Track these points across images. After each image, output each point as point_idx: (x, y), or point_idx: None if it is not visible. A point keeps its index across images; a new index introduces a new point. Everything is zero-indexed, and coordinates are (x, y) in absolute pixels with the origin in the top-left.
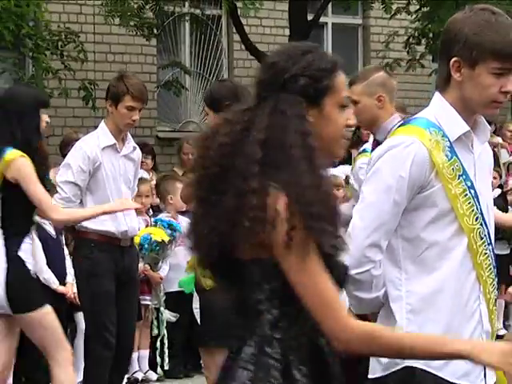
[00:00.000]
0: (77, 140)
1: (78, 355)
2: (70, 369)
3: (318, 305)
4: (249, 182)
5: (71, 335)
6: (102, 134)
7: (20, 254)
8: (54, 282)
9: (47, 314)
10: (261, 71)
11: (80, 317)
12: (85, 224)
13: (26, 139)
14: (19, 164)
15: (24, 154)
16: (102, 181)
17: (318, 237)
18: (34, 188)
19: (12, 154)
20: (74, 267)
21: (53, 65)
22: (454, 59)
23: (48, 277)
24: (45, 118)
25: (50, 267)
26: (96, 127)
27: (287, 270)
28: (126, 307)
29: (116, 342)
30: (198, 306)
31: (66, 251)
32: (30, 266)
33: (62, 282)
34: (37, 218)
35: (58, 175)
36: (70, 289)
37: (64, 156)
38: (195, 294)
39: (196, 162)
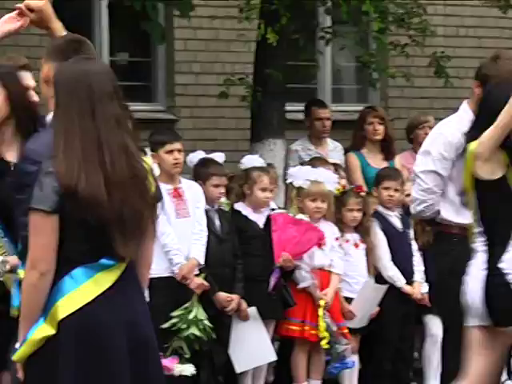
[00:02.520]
0: (425, 123)
1: (427, 363)
2: None
3: None
4: None
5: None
6: (465, 117)
7: (501, 265)
8: (399, 280)
9: None
10: None
11: (429, 319)
12: (448, 217)
13: None
14: None
15: None
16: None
17: None
18: None
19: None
20: (434, 265)
21: (399, 40)
22: None
23: (393, 274)
24: None
25: (395, 264)
26: (451, 109)
27: None
28: None
29: None
30: None
31: (415, 246)
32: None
33: (409, 281)
34: (381, 210)
35: (416, 164)
36: (417, 288)
37: (410, 141)
38: None
39: None
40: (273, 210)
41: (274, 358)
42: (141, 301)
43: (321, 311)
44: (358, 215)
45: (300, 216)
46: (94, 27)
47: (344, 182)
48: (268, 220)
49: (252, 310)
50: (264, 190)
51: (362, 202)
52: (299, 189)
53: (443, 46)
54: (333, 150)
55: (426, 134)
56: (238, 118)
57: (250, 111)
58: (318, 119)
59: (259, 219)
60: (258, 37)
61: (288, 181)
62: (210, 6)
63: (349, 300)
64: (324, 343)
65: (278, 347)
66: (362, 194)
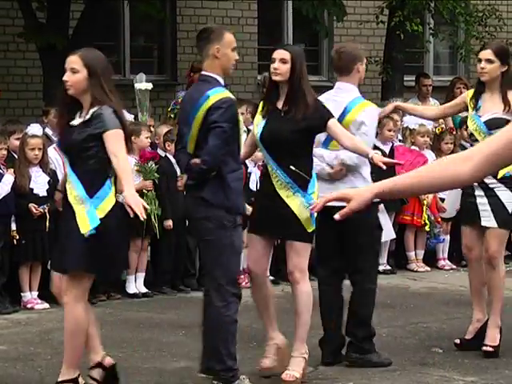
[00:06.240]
0: None
1: None
2: None
3: None
4: None
5: None
6: None
7: None
8: None
9: None
10: None
11: None
12: None
13: None
14: None
15: None
16: None
17: None
18: None
19: None
20: None
21: (477, 34)
22: None
23: None
24: None
25: None
26: None
27: None
28: None
29: None
30: None
31: None
32: None
33: None
34: (464, 143)
35: None
36: None
37: None
38: None
39: None
40: (392, 144)
41: (393, 236)
42: None
43: (425, 207)
44: (452, 146)
45: (412, 147)
46: None
47: (443, 125)
48: (392, 149)
49: (381, 206)
50: (389, 130)
51: (454, 138)
52: (412, 130)
53: (506, 38)
54: (433, 105)
55: None
56: None
57: None
58: (424, 85)
59: (386, 148)
60: None
61: (404, 125)
62: None
63: (442, 200)
64: (426, 227)
65: (397, 230)
66: (453, 133)
